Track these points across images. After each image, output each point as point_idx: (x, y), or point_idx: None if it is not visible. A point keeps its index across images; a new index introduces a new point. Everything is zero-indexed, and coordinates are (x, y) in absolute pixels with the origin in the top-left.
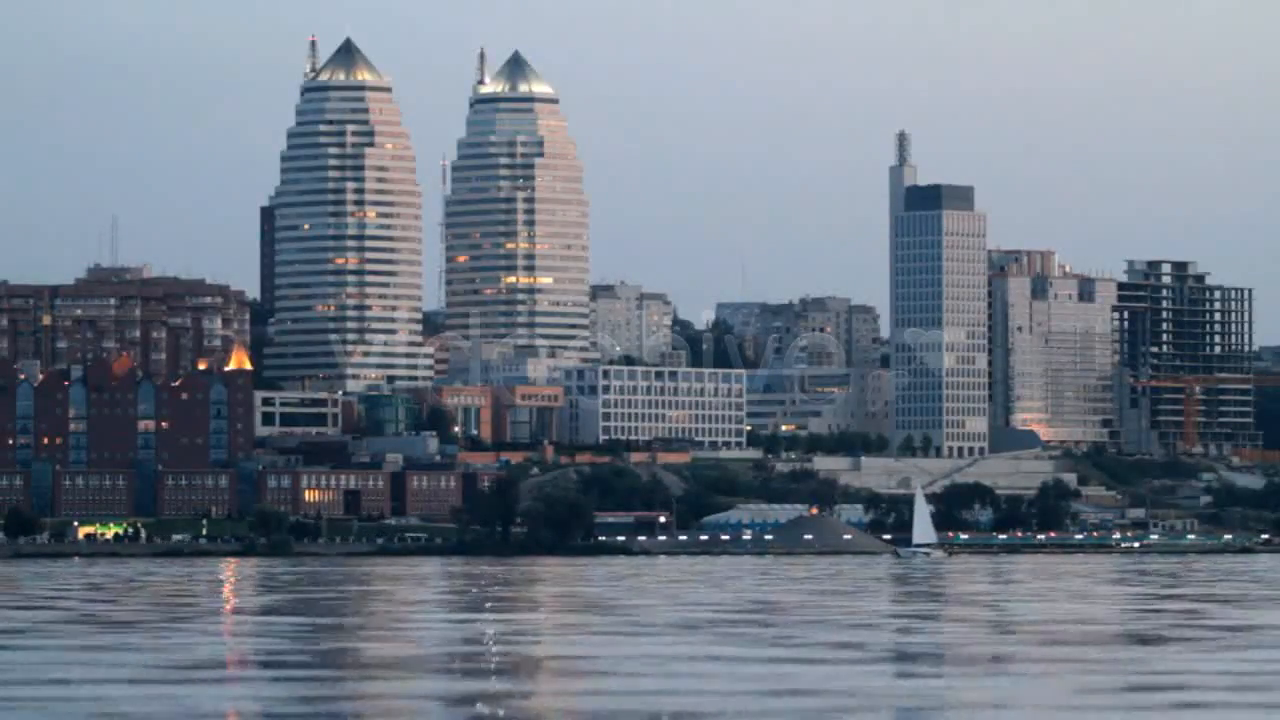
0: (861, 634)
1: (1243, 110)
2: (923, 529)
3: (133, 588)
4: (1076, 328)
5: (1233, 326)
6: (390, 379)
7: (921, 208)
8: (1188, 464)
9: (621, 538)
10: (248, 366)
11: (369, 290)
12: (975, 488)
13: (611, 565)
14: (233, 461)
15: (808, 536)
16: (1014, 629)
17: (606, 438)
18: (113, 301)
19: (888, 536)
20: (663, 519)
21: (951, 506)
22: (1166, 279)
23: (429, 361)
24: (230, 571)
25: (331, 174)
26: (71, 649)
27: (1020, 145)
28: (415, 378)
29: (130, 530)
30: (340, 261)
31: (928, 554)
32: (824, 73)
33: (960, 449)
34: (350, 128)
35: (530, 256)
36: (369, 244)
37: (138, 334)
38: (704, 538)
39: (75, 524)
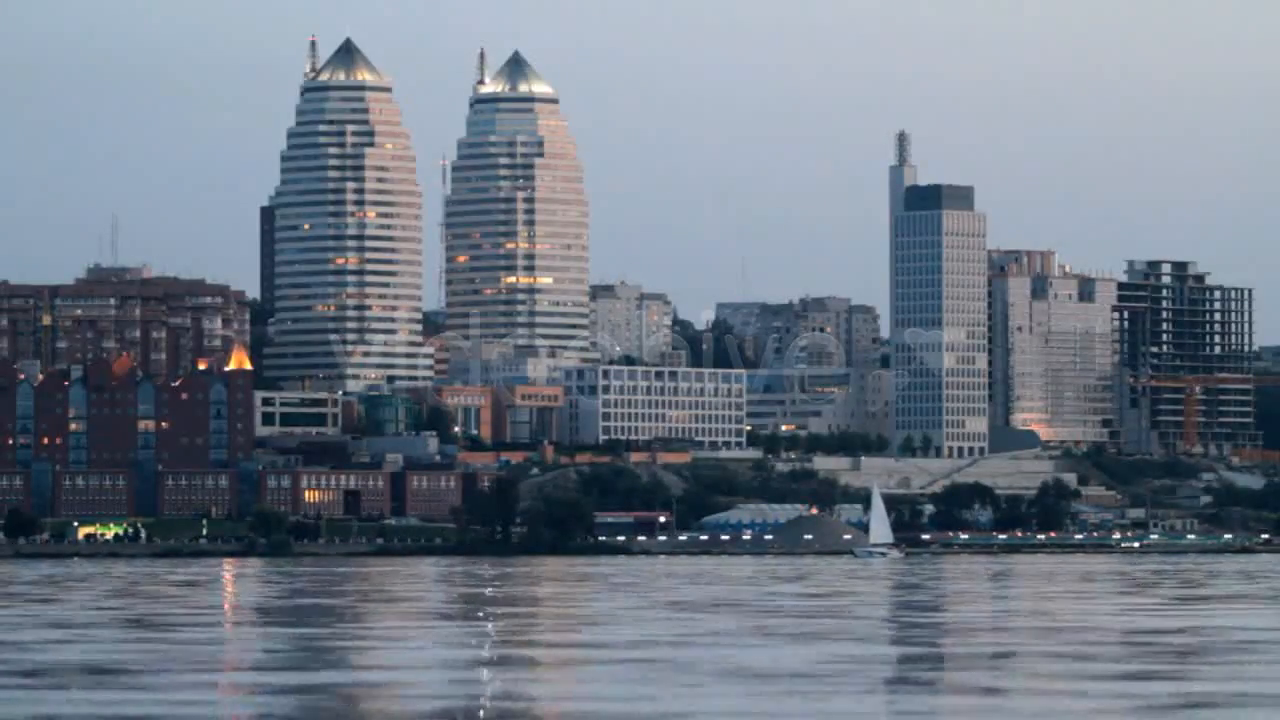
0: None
1: (1243, 110)
2: (880, 529)
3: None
4: (1076, 328)
5: (1233, 326)
6: (390, 379)
7: (921, 208)
8: (1188, 464)
9: (621, 538)
10: (248, 366)
11: (369, 290)
12: (975, 488)
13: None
14: (233, 461)
15: (808, 536)
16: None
17: (606, 438)
18: (113, 301)
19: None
20: (663, 519)
21: (951, 506)
22: (1166, 279)
23: (429, 361)
24: (229, 571)
25: (331, 174)
26: None
27: (1020, 145)
28: (415, 378)
29: (130, 530)
30: (340, 261)
31: (884, 554)
32: (824, 73)
33: (960, 449)
34: (350, 128)
35: (530, 256)
36: (369, 244)
37: (138, 334)
38: (704, 538)
39: (75, 524)
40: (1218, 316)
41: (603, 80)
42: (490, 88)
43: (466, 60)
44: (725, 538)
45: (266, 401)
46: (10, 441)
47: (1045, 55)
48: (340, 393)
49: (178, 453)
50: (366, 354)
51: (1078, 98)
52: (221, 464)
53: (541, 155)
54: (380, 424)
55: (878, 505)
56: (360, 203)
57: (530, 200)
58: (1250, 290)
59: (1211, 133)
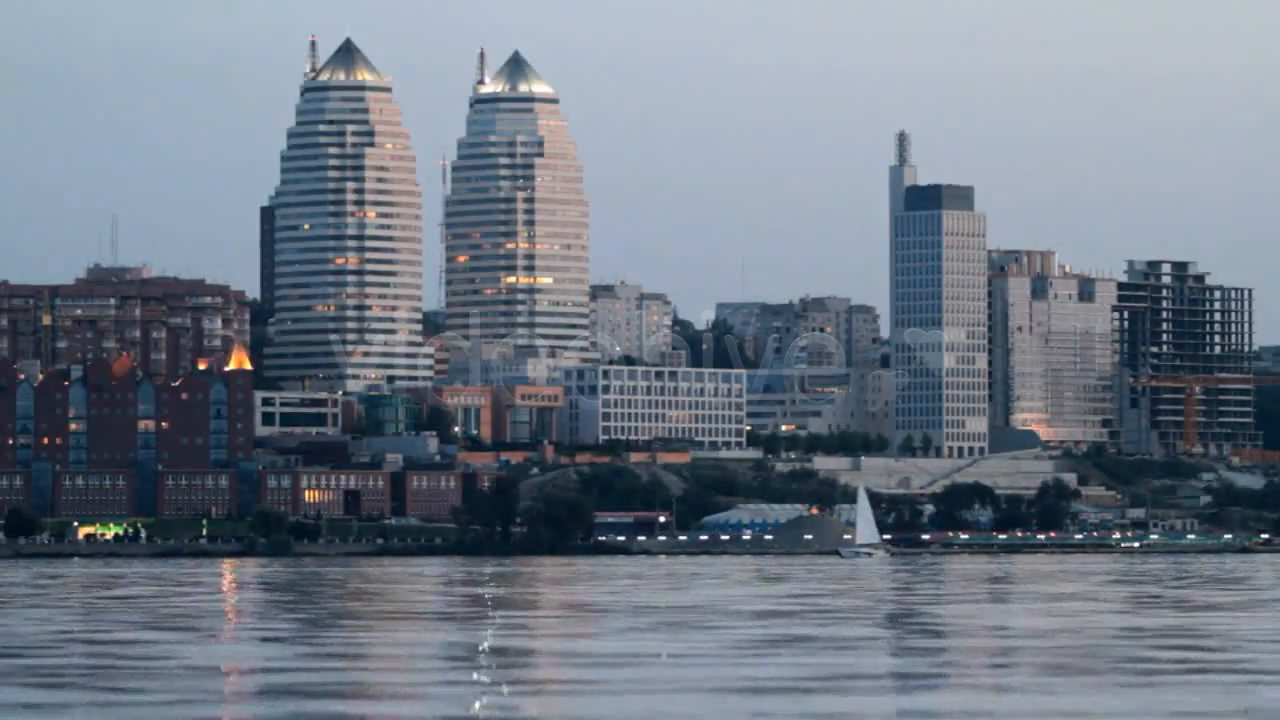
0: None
1: (1243, 109)
2: (866, 529)
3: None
4: (1076, 328)
5: (1233, 326)
6: (390, 379)
7: (921, 208)
8: (1188, 464)
9: (621, 538)
10: (248, 366)
11: (369, 290)
12: (975, 488)
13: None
14: (233, 461)
15: (808, 536)
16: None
17: (606, 438)
18: (113, 301)
19: (887, 536)
20: (663, 519)
21: (951, 506)
22: (1166, 279)
23: (429, 361)
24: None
25: (331, 174)
26: None
27: (1021, 145)
28: (415, 378)
29: (130, 530)
30: (340, 261)
31: (870, 555)
32: (824, 73)
33: (960, 449)
34: (350, 128)
35: (530, 256)
36: (369, 244)
37: (138, 334)
38: (704, 538)
39: (75, 524)
40: (1218, 316)
41: (603, 80)
42: (490, 88)
43: (466, 60)
44: (725, 538)
45: (266, 401)
46: (10, 441)
47: (1045, 55)
48: (340, 393)
49: (178, 453)
50: (366, 354)
51: (1077, 97)
52: (221, 464)
53: (541, 155)
54: (380, 424)
55: (863, 505)
56: (360, 203)
57: (530, 200)
58: (1250, 290)
59: (1211, 133)
